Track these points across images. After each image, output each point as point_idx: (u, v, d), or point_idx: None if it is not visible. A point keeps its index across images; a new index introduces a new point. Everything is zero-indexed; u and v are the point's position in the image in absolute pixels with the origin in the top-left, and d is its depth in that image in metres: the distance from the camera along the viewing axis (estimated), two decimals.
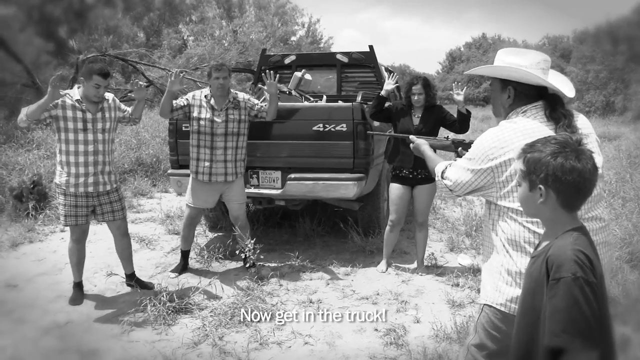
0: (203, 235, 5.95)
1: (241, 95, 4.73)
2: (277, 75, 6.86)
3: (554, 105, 2.01)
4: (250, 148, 4.98)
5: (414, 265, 4.91)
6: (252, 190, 5.03)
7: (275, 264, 4.91)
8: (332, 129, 4.83)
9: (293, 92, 5.89)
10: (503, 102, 2.11)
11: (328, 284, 4.50)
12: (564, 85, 2.08)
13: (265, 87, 4.63)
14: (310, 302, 4.11)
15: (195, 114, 4.61)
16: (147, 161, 8.94)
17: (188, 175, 5.03)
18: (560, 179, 1.47)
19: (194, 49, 19.64)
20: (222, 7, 25.94)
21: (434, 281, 4.55)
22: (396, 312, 3.94)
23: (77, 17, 18.84)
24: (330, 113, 4.88)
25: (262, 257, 4.57)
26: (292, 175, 4.86)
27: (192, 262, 5.05)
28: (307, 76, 6.04)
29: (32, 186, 6.76)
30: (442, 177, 2.22)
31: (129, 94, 17.23)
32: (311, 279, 4.61)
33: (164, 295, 3.95)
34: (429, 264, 4.93)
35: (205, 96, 4.65)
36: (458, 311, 3.92)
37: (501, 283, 2.02)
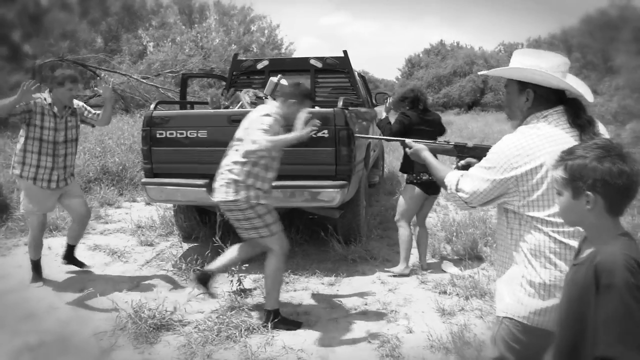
0: (178, 245, 5.73)
1: (75, 102, 4.65)
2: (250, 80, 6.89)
3: (576, 111, 1.95)
4: (222, 155, 4.82)
5: (399, 270, 4.84)
6: None
7: (256, 275, 4.76)
8: (313, 135, 4.71)
9: (269, 98, 5.76)
10: (520, 105, 2.03)
11: (313, 295, 4.38)
12: (584, 90, 2.01)
13: (102, 90, 4.62)
14: (297, 314, 3.99)
15: (37, 122, 4.35)
16: (112, 169, 8.62)
17: (164, 185, 4.85)
18: (609, 184, 1.41)
19: (155, 55, 19.22)
20: (183, 12, 25.52)
21: (420, 289, 4.50)
22: (387, 322, 3.86)
23: (32, 21, 18.19)
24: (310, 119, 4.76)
25: (243, 267, 4.41)
26: (272, 184, 4.72)
27: (169, 275, 4.85)
28: (283, 81, 5.91)
29: None
30: (456, 190, 2.12)
31: (89, 100, 16.74)
32: (295, 290, 4.48)
33: (144, 312, 3.76)
34: (412, 272, 4.87)
35: (49, 104, 4.41)
36: (449, 319, 3.87)
37: (523, 295, 1.95)
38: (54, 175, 4.48)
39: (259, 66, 6.77)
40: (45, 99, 4.39)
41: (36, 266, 4.72)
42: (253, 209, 3.67)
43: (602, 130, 1.99)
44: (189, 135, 4.85)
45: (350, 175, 4.81)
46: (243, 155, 3.67)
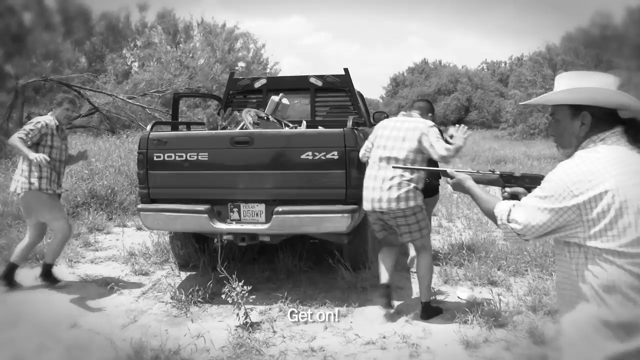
0: (174, 275, 5.40)
1: None
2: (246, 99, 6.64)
3: (638, 130, 1.79)
4: (231, 179, 4.56)
5: (412, 301, 4.59)
6: (234, 225, 4.58)
7: (263, 307, 4.45)
8: (322, 157, 4.47)
9: (270, 118, 5.52)
10: (576, 131, 1.85)
11: (326, 328, 4.08)
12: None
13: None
14: (313, 350, 3.68)
15: (49, 142, 4.87)
16: (101, 193, 8.26)
17: (162, 211, 4.56)
18: None
19: (141, 75, 18.92)
20: (168, 32, 25.32)
21: (439, 319, 4.23)
22: (409, 357, 3.58)
23: (15, 41, 17.80)
24: (319, 139, 4.53)
25: (251, 299, 4.11)
26: (279, 209, 4.45)
27: (168, 308, 4.52)
28: (285, 100, 5.69)
29: None
30: (507, 221, 1.88)
31: (74, 120, 16.35)
32: (306, 323, 4.18)
33: (147, 352, 3.43)
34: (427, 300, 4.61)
35: (57, 126, 4.96)
36: (475, 352, 3.61)
37: (598, 338, 1.71)
38: (60, 188, 5.11)
39: (257, 85, 6.52)
40: (52, 121, 4.92)
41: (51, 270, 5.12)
42: (422, 212, 4.21)
43: None
44: (188, 158, 4.57)
45: (361, 199, 4.56)
46: (415, 162, 4.15)
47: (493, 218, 1.96)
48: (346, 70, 6.55)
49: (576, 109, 1.84)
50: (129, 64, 25.91)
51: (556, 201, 1.74)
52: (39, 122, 4.83)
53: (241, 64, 28.68)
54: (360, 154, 4.44)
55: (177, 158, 4.58)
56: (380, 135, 4.32)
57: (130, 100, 15.91)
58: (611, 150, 1.76)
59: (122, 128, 15.66)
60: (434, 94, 46.65)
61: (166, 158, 4.59)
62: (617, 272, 1.68)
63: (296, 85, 6.53)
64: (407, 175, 4.10)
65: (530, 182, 2.11)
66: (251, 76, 6.63)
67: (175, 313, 4.42)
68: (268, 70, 31.54)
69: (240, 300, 4.02)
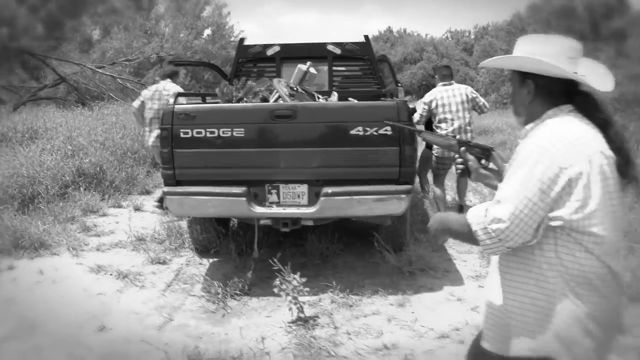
0: (196, 262, 4.90)
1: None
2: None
3: (587, 110, 1.64)
4: (270, 157, 4.08)
5: (464, 286, 4.27)
6: (273, 209, 4.10)
7: (311, 297, 4.03)
8: (374, 133, 4.02)
9: (299, 89, 5.00)
10: (523, 99, 1.72)
11: (390, 320, 3.70)
12: (597, 77, 1.67)
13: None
14: (386, 347, 3.30)
15: None
16: (89, 171, 7.57)
17: (192, 194, 4.04)
18: None
19: (108, 43, 17.74)
20: None
21: None
22: None
23: None
24: (371, 113, 4.07)
25: (306, 291, 3.69)
26: (328, 190, 4.00)
27: (202, 302, 4.05)
28: (312, 69, 5.18)
29: None
30: (488, 222, 1.57)
31: (38, 92, 15.25)
32: (365, 316, 3.78)
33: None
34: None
35: None
36: None
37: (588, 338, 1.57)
38: None
39: (269, 52, 5.96)
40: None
41: None
42: None
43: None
44: (221, 134, 4.03)
45: (414, 179, 4.16)
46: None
47: (469, 234, 1.62)
48: (366, 37, 6.08)
49: (523, 77, 1.71)
50: (88, 31, 24.37)
51: (542, 174, 1.53)
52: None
53: (207, 32, 27.54)
54: (416, 118, 4.08)
55: (208, 134, 4.04)
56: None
57: (99, 70, 14.90)
58: (575, 122, 1.62)
59: (92, 99, 14.67)
60: (400, 62, 46.22)
61: (195, 134, 4.05)
62: (595, 263, 1.55)
63: (312, 53, 6.00)
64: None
65: (481, 152, 1.94)
66: (261, 44, 6.02)
67: (212, 308, 3.95)
68: (232, 40, 30.39)
69: (296, 295, 3.58)
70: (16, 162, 7.14)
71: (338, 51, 5.92)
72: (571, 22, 23.82)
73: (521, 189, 1.53)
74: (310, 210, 4.04)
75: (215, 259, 4.95)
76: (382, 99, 5.36)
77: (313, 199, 4.10)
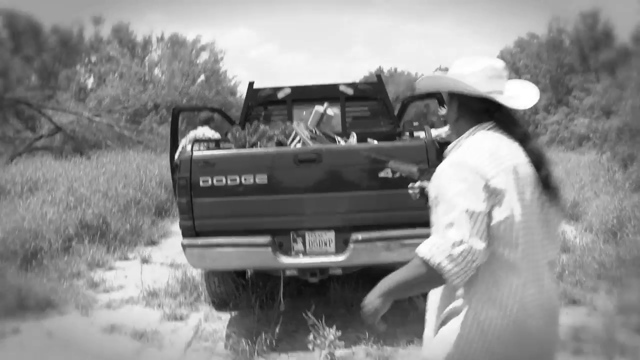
0: (214, 317, 4.64)
1: None
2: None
3: (505, 126, 1.70)
4: (295, 204, 3.89)
5: None
6: (300, 259, 3.89)
7: (344, 351, 3.77)
8: (404, 175, 3.85)
9: (317, 132, 4.85)
10: (450, 117, 1.82)
11: None
12: (518, 95, 1.73)
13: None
14: None
15: None
16: (93, 223, 7.33)
17: (214, 246, 3.82)
18: None
19: (104, 91, 17.72)
20: (125, 46, 24.04)
21: None
22: None
23: None
24: (399, 154, 3.90)
25: (332, 334, 3.44)
26: (358, 236, 3.81)
27: None
28: (330, 111, 5.05)
29: None
30: (450, 246, 1.50)
31: (34, 142, 15.10)
32: None
33: None
34: None
35: None
36: None
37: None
38: None
39: (280, 95, 5.86)
40: None
41: None
42: None
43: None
44: (243, 181, 3.85)
45: None
46: None
47: (422, 268, 1.55)
48: (379, 77, 6.02)
49: (450, 96, 1.79)
50: (82, 80, 24.45)
51: (474, 182, 1.56)
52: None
53: (201, 77, 27.67)
54: None
55: (229, 182, 3.86)
56: None
57: (96, 118, 14.79)
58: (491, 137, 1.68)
59: (90, 148, 14.51)
60: (394, 102, 46.62)
61: (215, 183, 3.86)
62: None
63: (324, 94, 5.90)
64: None
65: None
66: (271, 87, 5.94)
67: None
68: (231, 84, 30.53)
69: (332, 350, 3.34)
70: (17, 215, 6.90)
71: (350, 92, 5.83)
72: (561, 55, 24.28)
73: (462, 205, 1.51)
74: (339, 258, 3.84)
75: (234, 313, 4.69)
76: (402, 137, 5.25)
77: (341, 247, 3.91)
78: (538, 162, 1.64)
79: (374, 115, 5.93)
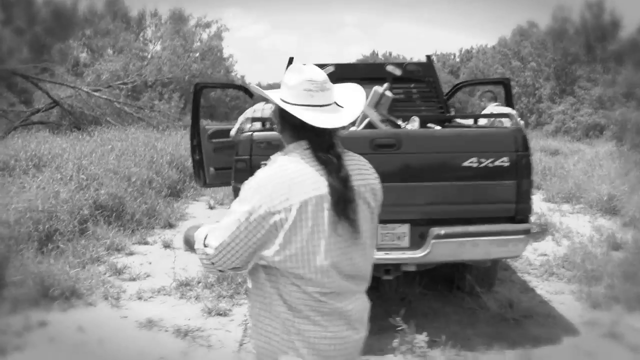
0: None
1: None
2: None
3: (316, 147, 1.58)
4: None
5: (583, 336, 3.71)
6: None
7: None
8: (490, 164, 3.47)
9: (375, 114, 4.43)
10: (277, 128, 1.72)
11: None
12: (330, 114, 1.60)
13: None
14: None
15: None
16: (107, 204, 6.86)
17: None
18: None
19: (102, 65, 17.02)
20: (120, 20, 23.21)
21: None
22: None
23: None
24: (487, 142, 3.54)
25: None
26: (441, 231, 3.43)
27: None
28: (389, 92, 4.62)
29: None
30: (204, 245, 1.63)
31: (31, 116, 14.45)
32: None
33: None
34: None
35: None
36: None
37: None
38: None
39: None
40: None
41: None
42: None
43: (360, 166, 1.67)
44: None
45: (529, 215, 3.62)
46: None
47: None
48: (429, 57, 5.60)
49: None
50: (75, 54, 23.58)
51: (254, 211, 1.53)
52: None
53: (196, 55, 26.93)
54: None
55: None
56: None
57: (95, 93, 14.17)
58: (288, 163, 1.59)
59: (88, 124, 13.90)
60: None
61: None
62: (303, 295, 1.56)
63: (369, 74, 5.48)
64: None
65: None
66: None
67: None
68: (228, 63, 29.83)
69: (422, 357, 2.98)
70: (28, 194, 6.41)
71: (398, 72, 5.38)
72: (566, 44, 23.93)
73: (232, 223, 1.55)
74: (419, 254, 3.46)
75: None
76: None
77: (416, 241, 3.53)
78: (340, 188, 1.54)
79: (422, 98, 5.52)
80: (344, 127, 1.62)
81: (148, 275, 5.14)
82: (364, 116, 4.11)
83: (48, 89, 14.03)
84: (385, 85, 4.59)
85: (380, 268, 3.54)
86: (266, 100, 5.24)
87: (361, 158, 1.74)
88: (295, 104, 1.57)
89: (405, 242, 3.58)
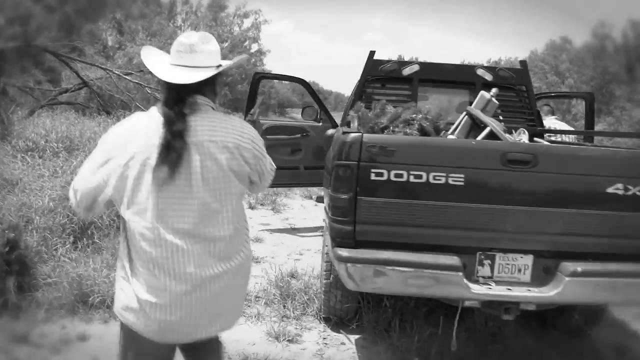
0: (335, 342, 3.66)
1: None
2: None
3: (165, 100, 1.74)
4: (491, 215, 2.90)
5: None
6: (496, 290, 2.90)
7: None
8: (638, 193, 2.88)
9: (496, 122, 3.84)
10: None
11: None
12: (184, 70, 1.74)
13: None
14: None
15: None
16: None
17: (386, 263, 2.83)
18: None
19: (134, 48, 16.52)
20: (153, 5, 22.77)
21: None
22: None
23: None
24: (636, 164, 2.94)
25: None
26: (578, 268, 2.83)
27: None
28: (495, 99, 4.05)
29: (7, 249, 4.03)
30: (70, 187, 1.85)
31: (59, 95, 13.99)
32: None
33: None
34: None
35: None
36: None
37: None
38: None
39: (406, 72, 4.82)
40: None
41: None
42: None
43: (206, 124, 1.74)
44: (431, 179, 2.84)
45: None
46: None
47: None
48: (523, 63, 5.00)
49: None
50: (104, 36, 23.18)
51: (104, 154, 1.72)
52: None
53: (225, 45, 26.40)
54: None
55: (412, 179, 2.85)
56: None
57: (127, 77, 13.67)
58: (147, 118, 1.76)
59: (117, 108, 13.41)
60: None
61: (393, 177, 2.85)
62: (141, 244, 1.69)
63: (457, 76, 4.91)
64: None
65: None
66: (395, 60, 4.92)
67: None
68: (265, 58, 29.18)
69: None
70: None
71: (489, 77, 4.81)
72: (606, 62, 23.14)
73: (84, 168, 1.75)
74: (550, 293, 2.86)
75: (358, 336, 3.71)
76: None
77: (539, 276, 2.95)
78: (165, 145, 1.64)
79: (511, 107, 4.91)
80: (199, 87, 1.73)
81: None
82: (480, 124, 3.51)
83: (78, 69, 13.54)
84: (494, 90, 4.02)
85: (500, 306, 2.95)
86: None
87: (229, 118, 1.80)
88: (171, 64, 1.75)
89: (526, 276, 2.98)
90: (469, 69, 4.92)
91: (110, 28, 23.48)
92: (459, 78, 4.87)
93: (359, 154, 2.85)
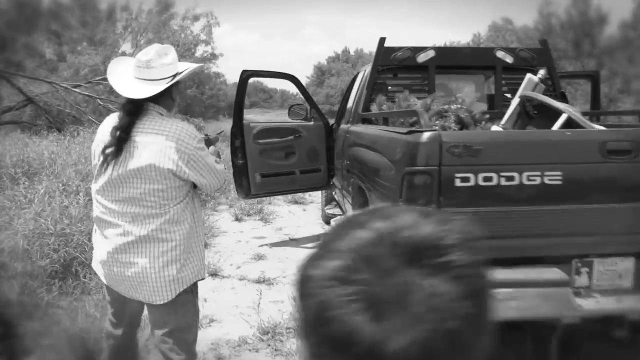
0: None
1: None
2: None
3: (122, 107, 2.11)
4: (590, 216, 2.49)
5: None
6: (605, 303, 2.49)
7: None
8: None
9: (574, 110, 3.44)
10: None
11: None
12: (133, 83, 2.06)
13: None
14: None
15: None
16: None
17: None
18: None
19: (79, 59, 15.43)
20: (90, 13, 21.50)
21: None
22: None
23: None
24: None
25: None
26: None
27: None
28: (542, 84, 3.67)
29: None
30: None
31: (2, 115, 12.85)
32: None
33: None
34: None
35: None
36: None
37: None
38: None
39: (421, 59, 4.40)
40: None
41: None
42: None
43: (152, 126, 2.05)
44: (524, 181, 2.39)
45: None
46: None
47: None
48: (544, 42, 4.68)
49: None
50: (42, 48, 21.73)
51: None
52: None
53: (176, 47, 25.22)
54: None
55: (503, 182, 2.38)
56: None
57: (75, 90, 12.68)
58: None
59: (68, 123, 12.40)
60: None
61: (480, 181, 2.38)
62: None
63: (477, 60, 4.55)
64: None
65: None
66: (408, 47, 4.47)
67: None
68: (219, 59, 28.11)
69: None
70: (28, 210, 5.14)
71: (510, 59, 4.46)
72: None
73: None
74: None
75: None
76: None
77: None
78: (108, 143, 2.03)
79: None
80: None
81: (212, 320, 3.98)
82: (551, 112, 3.08)
83: (21, 85, 12.46)
84: (542, 72, 3.63)
85: (612, 322, 2.54)
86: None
87: (174, 122, 2.06)
88: (133, 76, 2.07)
89: (628, 281, 2.59)
90: (488, 51, 4.58)
91: (47, 40, 22.08)
92: (477, 62, 4.52)
93: (440, 157, 2.36)
